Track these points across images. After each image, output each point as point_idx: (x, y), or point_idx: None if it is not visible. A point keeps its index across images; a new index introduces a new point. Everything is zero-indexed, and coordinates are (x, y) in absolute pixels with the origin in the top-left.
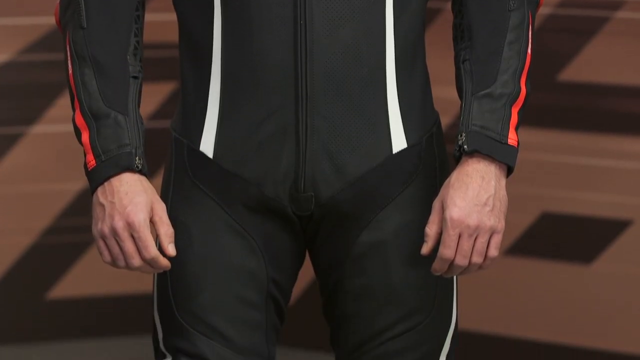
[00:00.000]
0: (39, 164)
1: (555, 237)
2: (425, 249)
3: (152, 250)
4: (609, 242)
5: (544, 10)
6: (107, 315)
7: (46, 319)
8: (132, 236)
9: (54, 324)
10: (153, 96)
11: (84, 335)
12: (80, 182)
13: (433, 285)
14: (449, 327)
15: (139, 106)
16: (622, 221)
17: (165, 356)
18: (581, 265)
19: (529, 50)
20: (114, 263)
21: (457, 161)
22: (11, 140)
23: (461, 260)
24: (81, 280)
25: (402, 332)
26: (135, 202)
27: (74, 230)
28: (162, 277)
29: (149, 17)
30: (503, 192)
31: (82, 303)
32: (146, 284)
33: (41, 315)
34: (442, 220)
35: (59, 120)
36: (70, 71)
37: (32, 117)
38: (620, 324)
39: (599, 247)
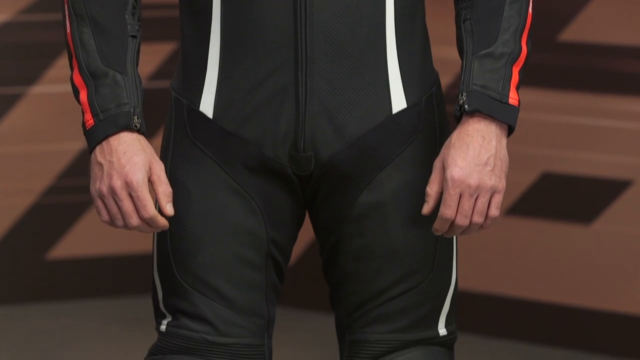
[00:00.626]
0: (38, 124)
1: (555, 197)
2: (426, 209)
3: (151, 210)
4: (609, 202)
5: None
6: (107, 275)
7: (46, 278)
8: (131, 195)
9: (54, 284)
10: (153, 56)
11: (84, 295)
12: (80, 142)
13: (433, 246)
14: (449, 287)
15: (137, 65)
16: (622, 181)
17: (165, 316)
18: (581, 225)
19: (530, 10)
20: (112, 222)
21: (457, 121)
22: (11, 101)
23: (462, 220)
24: (81, 240)
25: (402, 292)
26: (133, 161)
27: (73, 190)
28: (162, 237)
29: None
30: (504, 152)
31: (82, 263)
32: (146, 244)
33: (41, 275)
34: (443, 180)
35: (58, 81)
36: (68, 30)
37: (31, 77)
38: (620, 284)
39: (598, 207)
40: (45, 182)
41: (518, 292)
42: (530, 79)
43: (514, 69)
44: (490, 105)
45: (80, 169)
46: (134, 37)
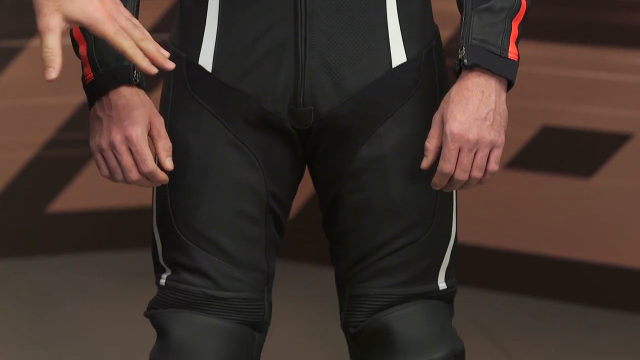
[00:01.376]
0: (38, 78)
1: (555, 150)
2: (425, 163)
3: (150, 164)
4: (609, 155)
5: None
6: (107, 229)
7: (46, 232)
8: (130, 150)
9: (54, 238)
10: (152, 10)
11: (84, 248)
12: (80, 96)
13: (432, 200)
14: (449, 241)
15: (137, 19)
16: (623, 134)
17: (164, 270)
18: (581, 178)
19: None
20: (111, 177)
21: (457, 75)
22: (11, 54)
23: (461, 175)
24: (81, 194)
25: (401, 246)
26: (133, 115)
27: (73, 143)
28: (161, 191)
29: None
30: (503, 106)
31: (82, 216)
32: (146, 198)
33: (41, 229)
34: (442, 134)
35: None
36: None
37: (32, 30)
38: (619, 238)
39: (599, 160)
40: (45, 135)
41: (517, 245)
42: (529, 32)
43: (513, 23)
44: (490, 60)
45: (80, 123)
46: None
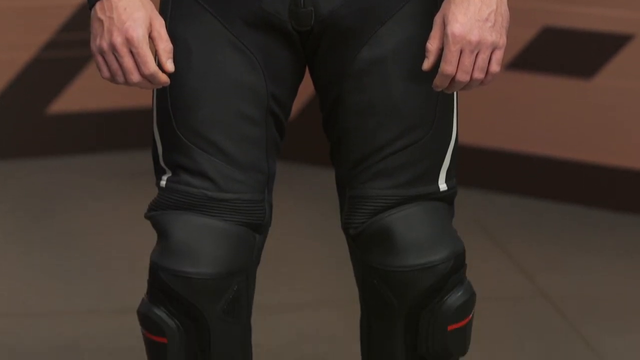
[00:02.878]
0: None
1: (556, 51)
2: (427, 65)
3: (151, 66)
4: (610, 56)
5: None
6: (107, 130)
7: (46, 133)
8: (131, 52)
9: (54, 139)
10: None
11: (83, 150)
12: None
13: (433, 101)
14: (449, 142)
15: None
16: (624, 35)
17: (165, 172)
18: (582, 79)
19: None
20: (112, 79)
21: None
22: None
23: (462, 76)
24: (81, 95)
25: (402, 147)
26: (134, 17)
27: (73, 44)
28: (162, 93)
29: None
30: (504, 7)
31: (82, 117)
32: (146, 99)
33: (41, 130)
34: (444, 35)
35: None
36: None
37: None
38: (620, 139)
39: (599, 61)
40: (45, 36)
41: (518, 146)
42: None
43: None
44: None
45: (80, 23)
46: None
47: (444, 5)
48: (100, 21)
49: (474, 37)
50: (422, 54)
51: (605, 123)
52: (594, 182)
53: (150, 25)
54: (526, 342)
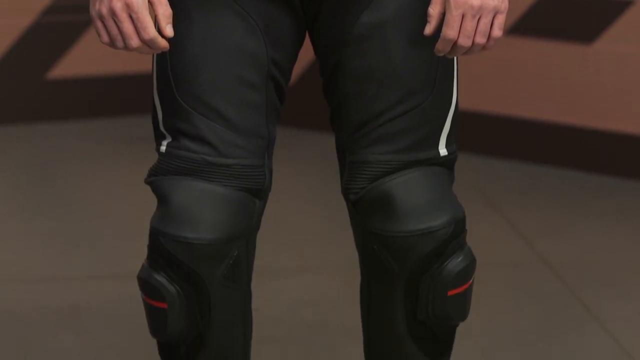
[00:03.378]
0: None
1: (557, 16)
2: (429, 30)
3: (151, 31)
4: (611, 21)
5: None
6: (107, 95)
7: (46, 98)
8: (130, 17)
9: (54, 104)
10: None
11: (84, 114)
12: None
13: (434, 66)
14: (450, 107)
15: None
16: (624, 0)
17: (165, 137)
18: (583, 44)
19: None
20: (112, 44)
21: None
22: None
23: (464, 41)
24: (81, 60)
25: (402, 112)
26: None
27: (73, 9)
28: (162, 58)
29: None
30: None
31: (82, 82)
32: (147, 64)
33: (41, 95)
34: (446, 0)
35: None
36: None
37: None
38: (619, 104)
39: (600, 26)
40: (45, 1)
41: (518, 111)
42: None
43: None
44: None
45: None
46: None
47: None
48: None
49: (475, 1)
50: (423, 18)
51: (605, 88)
52: (594, 148)
53: None
54: (525, 307)
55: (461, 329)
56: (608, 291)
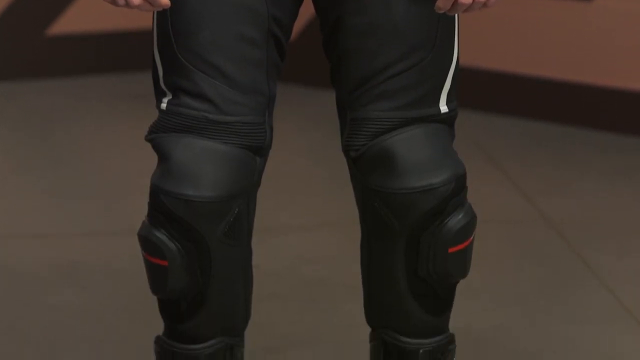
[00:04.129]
0: None
1: None
2: None
3: None
4: None
5: None
6: (107, 52)
7: (46, 55)
8: None
9: (54, 60)
10: None
11: (83, 71)
12: None
13: (435, 23)
14: (451, 64)
15: None
16: None
17: (165, 94)
18: (583, 0)
19: None
20: (113, 1)
21: None
22: None
23: None
24: (81, 16)
25: (403, 69)
26: None
27: None
28: (162, 15)
29: None
30: None
31: (82, 39)
32: (147, 21)
33: (41, 52)
34: None
35: None
36: None
37: None
38: (619, 60)
39: None
40: None
41: (519, 68)
42: None
43: None
44: None
45: None
46: None
47: None
48: None
49: None
50: None
51: (605, 45)
52: (595, 104)
53: None
54: (526, 264)
55: (461, 286)
56: (608, 248)
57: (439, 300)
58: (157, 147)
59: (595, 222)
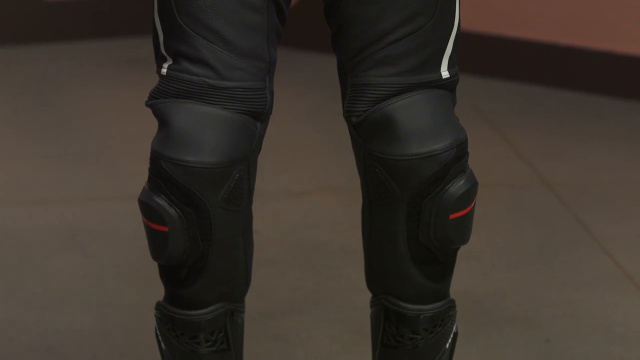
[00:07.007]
0: None
1: None
2: None
3: None
4: None
5: None
6: (108, 16)
7: (44, 20)
8: None
9: (53, 26)
10: None
11: (83, 36)
12: None
13: None
14: (452, 29)
15: None
16: None
17: (166, 59)
18: None
19: None
20: None
21: None
22: None
23: None
24: None
25: (404, 35)
26: None
27: None
28: None
29: None
30: None
31: (81, 4)
32: None
33: (40, 17)
34: None
35: None
36: None
37: None
38: (620, 24)
39: None
40: None
41: (518, 32)
42: None
43: None
44: None
45: None
46: None
47: None
48: None
49: None
50: None
51: (605, 9)
52: (594, 69)
53: None
54: (525, 228)
55: (461, 250)
56: (607, 212)
57: (440, 266)
58: (157, 113)
59: (595, 186)
